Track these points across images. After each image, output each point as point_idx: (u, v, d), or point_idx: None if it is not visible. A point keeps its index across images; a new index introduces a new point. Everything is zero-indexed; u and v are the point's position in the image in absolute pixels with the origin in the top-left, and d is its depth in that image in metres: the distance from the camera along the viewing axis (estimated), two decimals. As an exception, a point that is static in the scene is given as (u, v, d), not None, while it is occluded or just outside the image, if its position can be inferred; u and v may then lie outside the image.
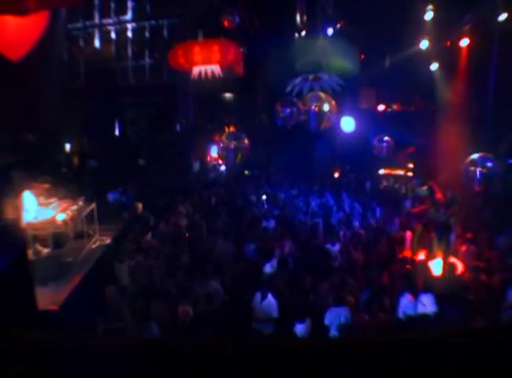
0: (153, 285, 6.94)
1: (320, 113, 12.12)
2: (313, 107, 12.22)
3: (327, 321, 5.87)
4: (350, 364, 1.79)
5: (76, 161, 14.78)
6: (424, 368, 1.71)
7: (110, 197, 11.97)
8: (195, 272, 7.18)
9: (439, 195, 12.23)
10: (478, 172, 9.07)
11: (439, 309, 5.91)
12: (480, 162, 9.32)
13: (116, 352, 1.85)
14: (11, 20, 6.60)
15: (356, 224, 10.55)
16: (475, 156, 9.58)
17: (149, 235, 9.14)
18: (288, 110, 12.52)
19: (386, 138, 14.26)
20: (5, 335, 1.87)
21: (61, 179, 9.21)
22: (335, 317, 5.85)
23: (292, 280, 7.17)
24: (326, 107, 12.19)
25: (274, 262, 7.65)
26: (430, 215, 10.68)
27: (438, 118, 15.15)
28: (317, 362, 1.77)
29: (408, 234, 9.39)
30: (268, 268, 7.57)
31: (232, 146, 11.77)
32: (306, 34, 14.20)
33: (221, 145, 12.33)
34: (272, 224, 10.21)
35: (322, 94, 12.38)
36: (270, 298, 6.23)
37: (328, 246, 8.81)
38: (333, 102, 12.35)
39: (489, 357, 1.71)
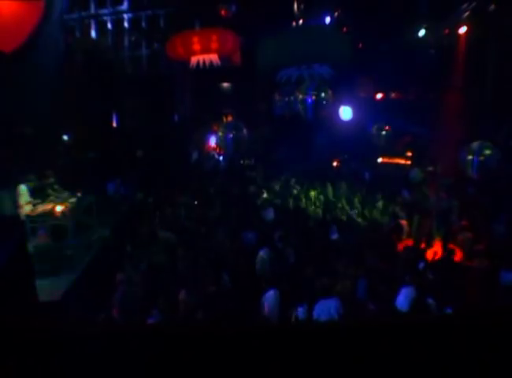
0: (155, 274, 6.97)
1: (317, 102, 11.99)
2: (309, 96, 12.11)
3: (315, 315, 5.59)
4: (348, 347, 1.81)
5: (73, 152, 14.72)
6: (423, 350, 1.73)
7: (109, 188, 11.96)
8: (195, 261, 7.20)
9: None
10: (475, 160, 9.01)
11: (438, 294, 5.91)
12: (477, 150, 9.24)
13: (116, 339, 1.87)
14: (3, 12, 6.55)
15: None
16: (474, 144, 9.49)
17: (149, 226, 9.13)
18: (287, 99, 12.45)
19: (385, 126, 14.19)
20: (7, 326, 1.89)
21: (59, 171, 9.19)
22: (324, 310, 5.57)
23: (291, 270, 7.17)
24: (323, 96, 12.06)
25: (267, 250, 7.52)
26: (430, 202, 10.64)
27: (436, 106, 15.09)
28: (314, 345, 1.79)
29: (404, 222, 9.41)
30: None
31: (231, 135, 11.69)
32: (304, 22, 14.10)
33: (220, 135, 12.23)
34: (270, 213, 10.21)
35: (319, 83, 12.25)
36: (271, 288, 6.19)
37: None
38: (329, 91, 12.23)
39: (487, 338, 1.74)
